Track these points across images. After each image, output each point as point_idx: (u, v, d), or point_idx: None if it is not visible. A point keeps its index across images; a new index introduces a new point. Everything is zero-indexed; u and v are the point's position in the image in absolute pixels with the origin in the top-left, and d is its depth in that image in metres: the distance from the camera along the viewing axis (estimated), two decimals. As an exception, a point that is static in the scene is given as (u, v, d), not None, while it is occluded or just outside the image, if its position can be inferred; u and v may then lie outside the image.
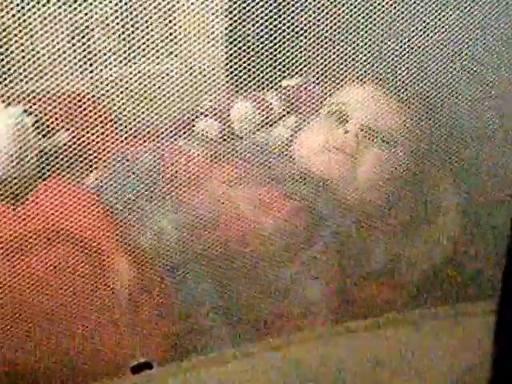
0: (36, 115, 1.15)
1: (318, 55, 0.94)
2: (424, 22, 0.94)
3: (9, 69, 0.86)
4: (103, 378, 0.95)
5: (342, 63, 0.93)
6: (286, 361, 0.99)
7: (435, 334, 1.02)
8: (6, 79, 0.87)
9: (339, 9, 0.90)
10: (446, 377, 1.03)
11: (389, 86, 1.03)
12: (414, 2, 0.92)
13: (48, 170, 0.98)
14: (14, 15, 0.81)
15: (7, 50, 0.87)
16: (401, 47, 0.95)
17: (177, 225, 0.97)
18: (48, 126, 1.17)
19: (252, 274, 0.98)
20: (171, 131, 0.96)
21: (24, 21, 0.84)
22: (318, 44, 0.93)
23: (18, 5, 0.81)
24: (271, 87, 0.91)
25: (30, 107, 1.11)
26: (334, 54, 0.92)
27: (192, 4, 0.87)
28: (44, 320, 0.92)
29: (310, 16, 0.90)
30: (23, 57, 0.87)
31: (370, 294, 1.04)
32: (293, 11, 0.90)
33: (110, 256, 0.94)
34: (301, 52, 0.93)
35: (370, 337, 1.01)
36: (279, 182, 1.02)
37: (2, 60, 0.85)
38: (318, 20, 0.90)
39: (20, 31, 0.86)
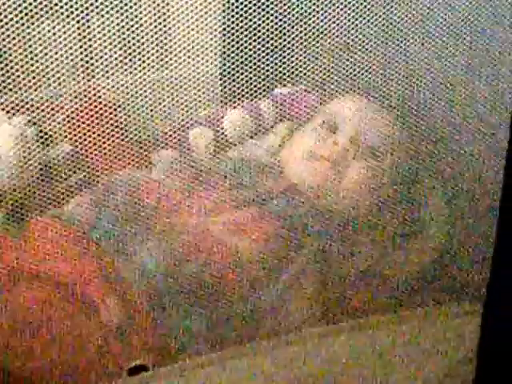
0: (39, 126, 1.17)
1: (310, 65, 0.96)
2: (415, 30, 0.96)
3: (10, 78, 0.88)
4: (100, 380, 0.96)
5: (333, 74, 0.95)
6: (278, 362, 1.00)
7: (423, 334, 1.04)
8: (9, 89, 0.89)
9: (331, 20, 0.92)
10: (433, 375, 1.04)
11: (379, 98, 1.03)
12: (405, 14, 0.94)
13: (50, 181, 1.00)
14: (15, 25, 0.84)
15: (9, 59, 0.89)
16: (390, 58, 0.97)
17: (157, 255, 0.98)
18: (50, 137, 1.19)
19: (235, 299, 0.99)
20: (165, 140, 0.98)
21: (26, 31, 0.87)
22: (310, 54, 0.95)
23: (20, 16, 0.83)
24: (263, 95, 0.93)
25: (34, 117, 1.12)
26: (325, 65, 0.94)
27: (186, 14, 0.89)
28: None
29: (303, 26, 0.92)
30: (25, 66, 0.89)
31: (356, 295, 1.05)
32: (286, 21, 0.91)
33: (96, 299, 0.96)
34: (293, 62, 0.95)
35: (359, 337, 1.02)
36: (261, 200, 1.03)
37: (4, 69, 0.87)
38: (311, 30, 0.92)
39: (22, 41, 0.89)
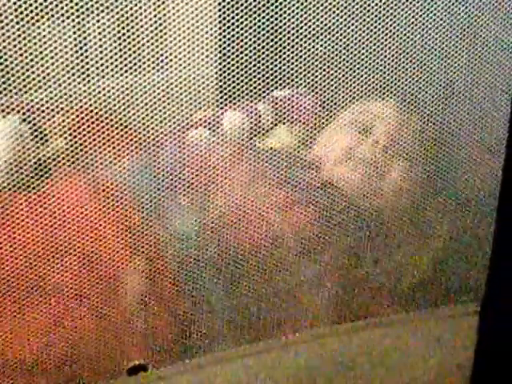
0: (34, 124, 1.17)
1: (309, 68, 0.96)
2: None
3: (7, 78, 0.88)
4: (100, 379, 0.97)
5: (336, 79, 0.96)
6: (283, 362, 1.01)
7: (422, 335, 1.05)
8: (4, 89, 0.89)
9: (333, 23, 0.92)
10: (431, 376, 1.05)
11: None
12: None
13: (45, 179, 0.99)
14: (13, 27, 0.83)
15: (5, 60, 0.89)
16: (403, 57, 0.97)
17: (194, 225, 0.98)
18: (45, 134, 1.18)
19: (263, 278, 0.99)
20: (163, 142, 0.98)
21: (23, 32, 0.87)
22: (309, 57, 0.95)
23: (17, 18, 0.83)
24: (261, 97, 0.93)
25: (29, 116, 1.12)
26: (326, 69, 0.94)
27: (184, 16, 0.89)
28: (43, 322, 0.94)
29: (303, 28, 0.92)
30: (21, 67, 0.89)
31: (363, 297, 1.05)
32: (284, 24, 0.91)
33: (121, 269, 0.96)
34: (292, 64, 0.95)
35: (362, 337, 1.03)
36: (299, 188, 1.02)
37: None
38: (310, 33, 0.92)
39: (19, 42, 0.89)
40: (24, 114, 1.12)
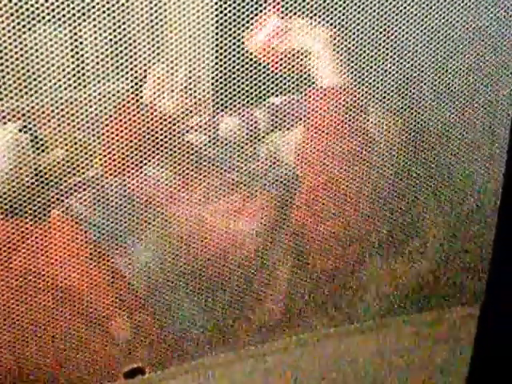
0: (33, 132, 1.18)
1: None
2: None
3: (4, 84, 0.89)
4: (97, 382, 0.97)
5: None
6: (279, 365, 1.01)
7: (418, 338, 1.05)
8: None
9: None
10: (429, 377, 1.05)
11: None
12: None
13: (43, 187, 1.00)
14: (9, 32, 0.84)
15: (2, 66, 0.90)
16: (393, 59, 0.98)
17: (153, 248, 0.99)
18: (45, 143, 1.19)
19: (234, 282, 1.00)
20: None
21: (19, 38, 0.88)
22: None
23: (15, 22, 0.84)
24: (257, 103, 0.93)
25: (28, 123, 1.13)
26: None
27: (180, 21, 0.90)
28: (39, 331, 0.95)
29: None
30: (18, 73, 0.90)
31: (355, 299, 1.06)
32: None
33: (107, 316, 0.97)
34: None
35: (358, 340, 1.03)
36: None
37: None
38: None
39: (15, 49, 0.90)
40: (24, 121, 1.14)
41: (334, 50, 1.03)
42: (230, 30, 0.89)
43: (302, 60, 1.03)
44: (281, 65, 1.00)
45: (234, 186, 1.02)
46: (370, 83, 0.98)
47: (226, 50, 0.91)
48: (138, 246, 0.98)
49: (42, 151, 1.19)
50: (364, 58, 0.97)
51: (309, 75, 1.01)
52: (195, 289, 0.98)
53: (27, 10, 0.82)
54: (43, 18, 0.83)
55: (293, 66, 1.01)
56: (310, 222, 1.02)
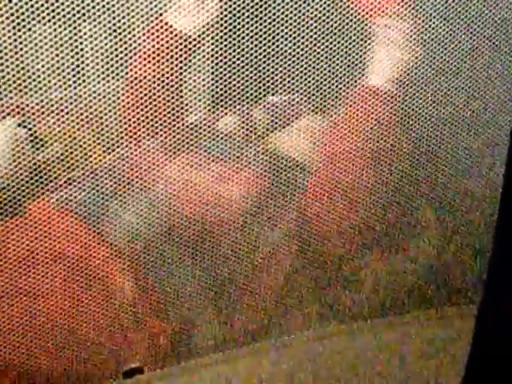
0: (31, 128, 1.18)
1: (303, 74, 0.96)
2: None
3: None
4: (96, 382, 0.97)
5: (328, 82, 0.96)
6: (280, 362, 1.02)
7: (417, 337, 1.05)
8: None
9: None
10: (426, 377, 1.06)
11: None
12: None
13: (41, 182, 1.00)
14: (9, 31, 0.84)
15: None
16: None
17: (147, 215, 1.00)
18: (42, 139, 1.19)
19: (225, 244, 1.00)
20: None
21: (19, 38, 0.88)
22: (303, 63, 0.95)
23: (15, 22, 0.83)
24: (256, 102, 0.93)
25: (25, 120, 1.13)
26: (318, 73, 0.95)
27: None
28: (42, 326, 0.95)
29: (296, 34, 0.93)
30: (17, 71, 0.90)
31: (353, 299, 1.07)
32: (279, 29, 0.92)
33: (109, 279, 0.98)
34: (286, 69, 0.95)
35: (356, 339, 1.04)
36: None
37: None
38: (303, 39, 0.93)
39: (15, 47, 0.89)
40: (21, 117, 1.14)
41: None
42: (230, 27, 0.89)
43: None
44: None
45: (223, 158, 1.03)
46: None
47: (224, 48, 0.91)
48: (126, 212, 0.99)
49: (40, 146, 1.20)
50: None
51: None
52: (186, 251, 0.99)
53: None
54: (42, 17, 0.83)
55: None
56: (316, 210, 1.03)
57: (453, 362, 1.05)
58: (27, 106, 1.02)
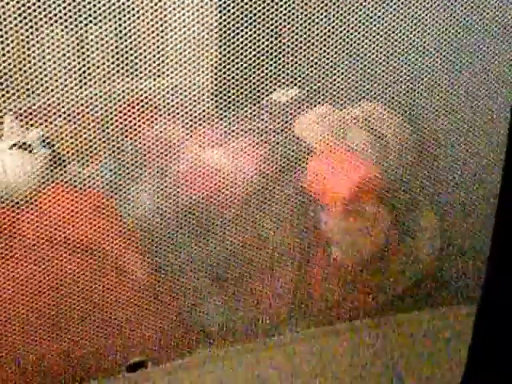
0: (52, 145, 1.21)
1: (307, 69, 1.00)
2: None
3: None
4: (100, 375, 0.99)
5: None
6: (281, 359, 1.02)
7: (416, 336, 1.05)
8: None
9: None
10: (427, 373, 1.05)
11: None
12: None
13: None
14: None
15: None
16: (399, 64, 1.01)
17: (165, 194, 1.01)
18: (63, 157, 1.22)
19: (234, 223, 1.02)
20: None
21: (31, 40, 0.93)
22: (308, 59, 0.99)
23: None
24: (259, 100, 0.97)
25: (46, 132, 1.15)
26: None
27: (184, 22, 0.94)
28: (47, 319, 0.97)
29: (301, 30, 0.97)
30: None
31: (353, 297, 1.07)
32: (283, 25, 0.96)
33: (120, 257, 0.99)
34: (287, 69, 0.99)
35: (354, 338, 1.04)
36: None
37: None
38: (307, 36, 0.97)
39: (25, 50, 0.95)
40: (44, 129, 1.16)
41: None
42: (233, 29, 0.93)
43: None
44: None
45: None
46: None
47: (227, 49, 0.94)
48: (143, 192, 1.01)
49: (60, 166, 1.23)
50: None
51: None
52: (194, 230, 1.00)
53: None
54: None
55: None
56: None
57: (452, 360, 1.05)
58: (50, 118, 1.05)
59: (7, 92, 0.91)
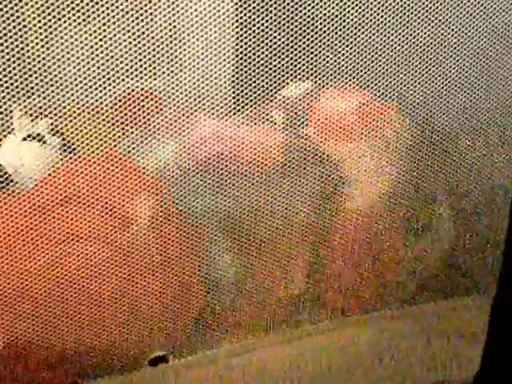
0: (62, 134, 1.21)
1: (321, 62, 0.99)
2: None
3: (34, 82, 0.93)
4: (123, 369, 1.00)
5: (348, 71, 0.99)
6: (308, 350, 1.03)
7: (432, 328, 1.06)
8: (31, 92, 0.94)
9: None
10: (440, 366, 1.06)
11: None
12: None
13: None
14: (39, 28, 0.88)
15: (32, 62, 0.93)
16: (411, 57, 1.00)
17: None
18: (73, 146, 1.22)
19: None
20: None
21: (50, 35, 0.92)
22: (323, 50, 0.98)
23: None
24: (273, 95, 0.96)
25: (55, 121, 1.15)
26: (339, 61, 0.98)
27: (201, 19, 0.93)
28: (67, 308, 0.96)
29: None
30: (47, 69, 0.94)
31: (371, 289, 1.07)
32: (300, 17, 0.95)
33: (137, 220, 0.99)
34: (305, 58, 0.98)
35: (369, 330, 1.04)
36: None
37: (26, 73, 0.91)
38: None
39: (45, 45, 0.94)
40: (52, 124, 1.17)
41: None
42: (251, 22, 0.92)
43: None
44: None
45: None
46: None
47: (246, 45, 0.93)
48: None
49: (72, 154, 1.23)
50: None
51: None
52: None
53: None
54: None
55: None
56: None
57: (470, 351, 1.06)
58: (59, 106, 1.05)
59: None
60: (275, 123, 1.17)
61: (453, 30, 1.00)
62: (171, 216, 1.00)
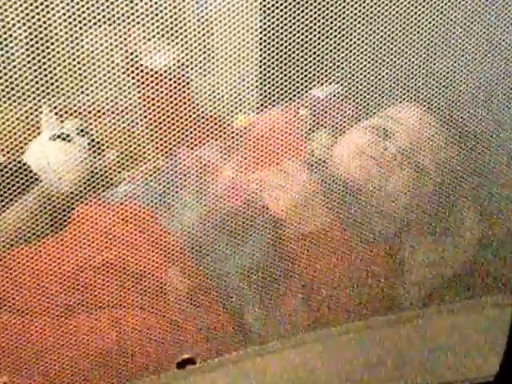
0: (90, 135, 1.21)
1: (350, 66, 0.98)
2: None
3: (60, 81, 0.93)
4: (151, 372, 1.00)
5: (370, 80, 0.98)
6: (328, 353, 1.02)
7: (454, 328, 1.05)
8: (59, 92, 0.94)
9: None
10: (462, 366, 1.05)
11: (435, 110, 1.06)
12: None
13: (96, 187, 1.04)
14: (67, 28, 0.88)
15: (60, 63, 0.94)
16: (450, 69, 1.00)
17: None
18: (101, 146, 1.23)
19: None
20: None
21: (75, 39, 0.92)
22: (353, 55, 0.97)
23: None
24: (301, 95, 0.95)
25: (84, 122, 1.16)
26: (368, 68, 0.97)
27: (226, 18, 0.92)
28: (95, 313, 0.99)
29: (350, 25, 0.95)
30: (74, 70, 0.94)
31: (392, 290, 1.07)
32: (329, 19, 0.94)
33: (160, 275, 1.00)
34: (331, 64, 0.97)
35: (393, 331, 1.04)
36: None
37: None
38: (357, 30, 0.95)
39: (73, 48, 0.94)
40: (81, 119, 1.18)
41: None
42: (276, 22, 0.91)
43: None
44: None
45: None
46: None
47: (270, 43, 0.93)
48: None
49: (99, 155, 1.23)
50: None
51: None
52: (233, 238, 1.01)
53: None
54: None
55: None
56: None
57: (488, 351, 1.05)
58: (88, 107, 1.05)
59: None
60: (302, 119, 1.18)
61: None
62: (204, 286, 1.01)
